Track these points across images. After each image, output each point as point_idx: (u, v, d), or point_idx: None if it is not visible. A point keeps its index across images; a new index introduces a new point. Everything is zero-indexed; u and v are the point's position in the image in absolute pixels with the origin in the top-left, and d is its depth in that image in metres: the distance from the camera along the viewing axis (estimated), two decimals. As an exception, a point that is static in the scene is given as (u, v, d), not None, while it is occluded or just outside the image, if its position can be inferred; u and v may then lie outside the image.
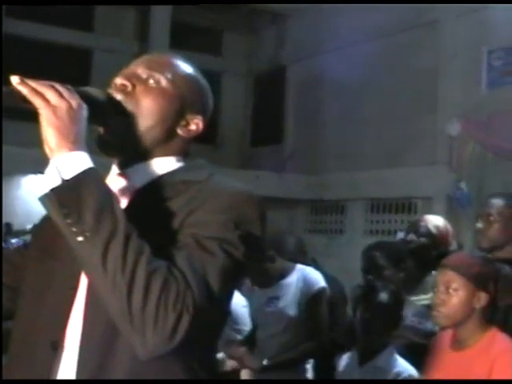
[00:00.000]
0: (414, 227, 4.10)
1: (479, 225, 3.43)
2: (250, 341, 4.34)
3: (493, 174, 8.56)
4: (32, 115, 1.51)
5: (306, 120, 12.16)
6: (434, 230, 3.98)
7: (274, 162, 12.40)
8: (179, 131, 1.78)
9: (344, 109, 11.13)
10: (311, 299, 4.14)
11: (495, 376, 2.63)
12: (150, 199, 1.67)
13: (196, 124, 1.81)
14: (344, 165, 10.82)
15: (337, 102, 11.32)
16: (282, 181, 11.44)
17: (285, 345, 4.06)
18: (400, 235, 4.10)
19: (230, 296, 1.68)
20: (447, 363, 2.84)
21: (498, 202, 3.44)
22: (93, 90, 1.66)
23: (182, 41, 12.16)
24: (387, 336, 3.33)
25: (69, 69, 11.71)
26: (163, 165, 1.75)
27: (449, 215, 8.55)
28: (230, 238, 1.58)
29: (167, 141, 1.76)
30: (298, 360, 4.20)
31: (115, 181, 1.72)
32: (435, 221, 4.09)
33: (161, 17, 12.03)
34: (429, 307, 3.51)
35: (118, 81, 1.72)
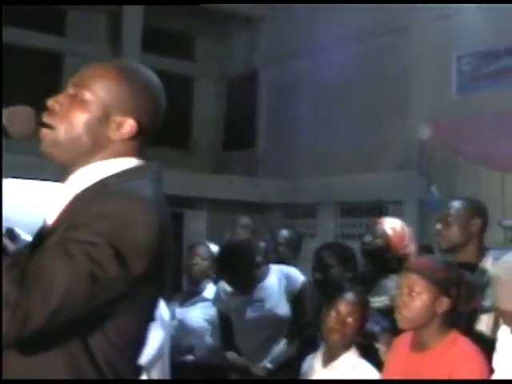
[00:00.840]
0: (371, 229, 4.16)
1: (438, 226, 3.50)
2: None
3: (463, 178, 8.64)
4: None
5: (278, 124, 12.19)
6: (389, 232, 4.03)
7: (246, 167, 12.43)
8: (112, 135, 1.85)
9: (316, 113, 11.19)
10: (298, 295, 4.17)
11: (456, 378, 2.67)
12: (77, 204, 1.74)
13: (130, 125, 1.87)
14: (316, 169, 10.87)
15: (309, 107, 11.37)
16: (255, 185, 11.47)
17: (283, 346, 4.08)
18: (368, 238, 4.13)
19: (110, 298, 1.66)
20: (407, 364, 2.87)
21: (456, 205, 3.53)
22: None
23: (155, 45, 12.15)
24: (353, 336, 3.35)
25: (40, 73, 11.67)
26: (103, 169, 1.83)
27: (420, 219, 8.64)
28: (97, 242, 1.58)
29: (101, 146, 1.85)
30: (299, 356, 4.19)
31: (62, 187, 1.82)
32: (392, 223, 4.14)
33: (133, 21, 11.99)
34: (380, 310, 3.56)
35: (48, 103, 1.84)
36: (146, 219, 1.69)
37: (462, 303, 2.91)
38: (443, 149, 8.96)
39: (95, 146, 1.84)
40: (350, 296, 3.37)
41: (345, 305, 3.33)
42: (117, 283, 1.62)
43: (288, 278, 4.18)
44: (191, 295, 4.82)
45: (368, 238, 4.12)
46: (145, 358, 3.17)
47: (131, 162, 1.87)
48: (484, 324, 3.19)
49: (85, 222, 1.62)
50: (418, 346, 2.88)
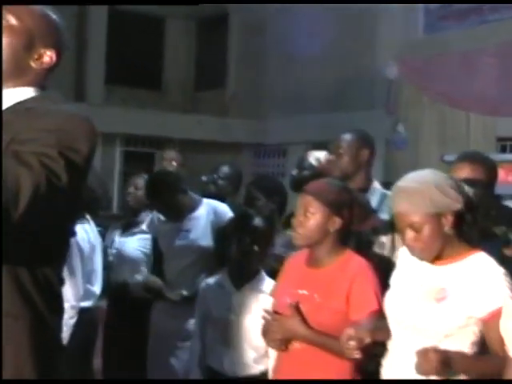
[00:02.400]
0: (298, 163, 4.37)
1: (330, 157, 3.73)
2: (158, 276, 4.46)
3: (429, 117, 8.78)
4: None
5: (248, 65, 12.22)
6: (314, 163, 4.24)
7: (217, 107, 12.48)
8: (32, 64, 1.95)
9: (286, 54, 11.22)
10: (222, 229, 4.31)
11: (355, 292, 2.87)
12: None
13: (49, 57, 1.97)
14: (286, 109, 10.96)
15: (279, 47, 11.40)
16: (225, 125, 11.56)
17: (198, 275, 4.20)
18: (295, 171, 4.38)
19: (60, 212, 1.81)
20: (303, 277, 3.04)
21: (347, 137, 3.72)
22: None
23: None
24: (261, 260, 3.56)
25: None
26: (17, 94, 1.92)
27: (386, 157, 8.81)
28: (51, 153, 1.70)
29: (20, 73, 1.93)
30: None
31: None
32: (317, 154, 4.36)
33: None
34: None
35: None
36: (87, 133, 1.86)
37: (356, 223, 3.08)
38: (410, 88, 9.08)
39: (15, 73, 1.92)
40: (256, 222, 3.57)
41: (252, 231, 3.54)
42: (67, 192, 1.74)
43: (216, 213, 4.31)
44: (131, 225, 4.95)
45: (295, 171, 4.35)
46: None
47: (41, 90, 1.98)
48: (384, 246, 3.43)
49: (32, 137, 1.73)
50: (314, 262, 3.04)
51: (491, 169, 3.40)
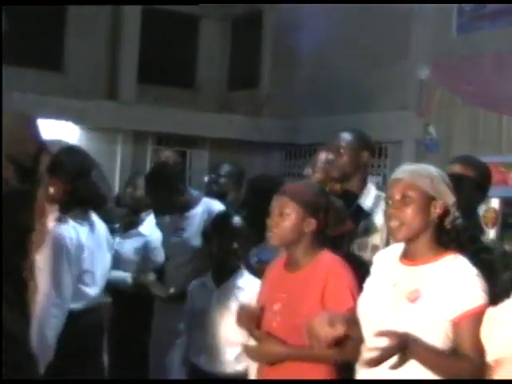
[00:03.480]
0: (311, 164, 4.40)
1: (330, 156, 3.73)
2: (161, 271, 4.51)
3: (461, 120, 8.70)
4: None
5: (282, 65, 12.21)
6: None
7: (250, 106, 12.48)
8: None
9: (319, 54, 11.20)
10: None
11: (329, 291, 2.91)
12: None
13: None
14: (318, 109, 10.93)
15: (312, 47, 11.37)
16: (257, 125, 11.55)
17: (189, 274, 4.22)
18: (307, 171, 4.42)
19: None
20: (281, 281, 3.11)
21: (347, 137, 3.75)
22: None
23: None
24: (240, 257, 3.62)
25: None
26: None
27: (417, 159, 8.73)
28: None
29: None
30: None
31: None
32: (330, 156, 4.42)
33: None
34: None
35: None
36: (29, 134, 1.87)
37: (331, 227, 3.14)
38: (442, 89, 9.01)
39: None
40: (236, 221, 3.73)
41: (232, 229, 3.70)
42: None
43: (210, 212, 4.36)
44: (130, 226, 4.97)
45: (307, 171, 4.40)
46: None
47: None
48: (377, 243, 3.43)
49: None
50: (291, 266, 3.11)
51: (482, 171, 3.42)
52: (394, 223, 2.62)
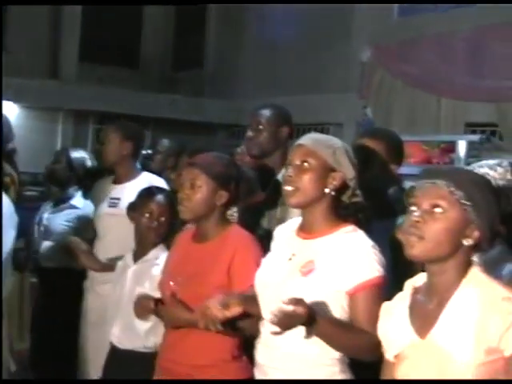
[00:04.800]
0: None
1: (249, 133, 3.64)
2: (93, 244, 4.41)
3: (400, 101, 8.79)
4: None
5: (226, 46, 12.19)
6: None
7: (193, 87, 12.44)
8: None
9: (262, 36, 11.21)
10: None
11: (235, 265, 2.89)
12: None
13: None
14: (261, 91, 10.92)
15: (256, 29, 11.38)
16: (200, 105, 11.53)
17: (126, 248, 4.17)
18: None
19: None
20: (188, 252, 3.08)
21: (265, 112, 3.64)
22: None
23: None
24: (161, 234, 3.62)
25: None
26: None
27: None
28: None
29: None
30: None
31: None
32: None
33: None
34: None
35: None
36: None
37: (242, 198, 3.13)
38: (382, 71, 9.08)
39: None
40: (160, 198, 3.63)
41: (157, 205, 3.60)
42: None
43: (149, 184, 4.31)
44: (59, 202, 4.90)
45: (240, 149, 4.49)
46: None
47: None
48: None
49: None
50: (200, 237, 3.07)
51: (392, 145, 3.30)
52: (289, 188, 2.57)
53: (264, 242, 2.95)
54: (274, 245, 2.80)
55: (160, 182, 4.37)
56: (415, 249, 2.08)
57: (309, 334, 2.39)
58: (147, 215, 3.59)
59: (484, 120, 8.13)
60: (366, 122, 8.72)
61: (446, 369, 2.01)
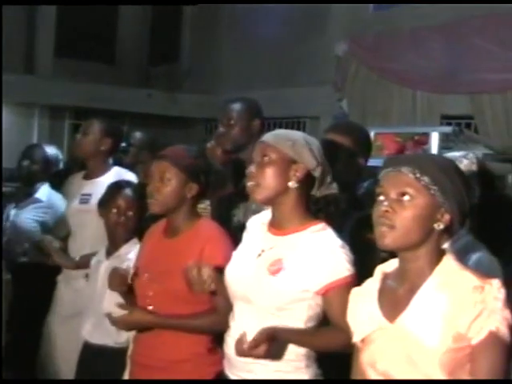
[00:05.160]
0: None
1: (221, 128, 3.58)
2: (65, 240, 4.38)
3: (376, 95, 8.81)
4: None
5: (202, 40, 12.17)
6: None
7: (169, 81, 12.42)
8: None
9: (238, 29, 11.20)
10: None
11: (205, 256, 2.85)
12: None
13: None
14: (237, 85, 10.93)
15: (231, 22, 11.37)
16: (177, 100, 11.51)
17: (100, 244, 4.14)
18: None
19: None
20: (161, 249, 3.05)
21: (236, 106, 3.58)
22: None
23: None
24: (131, 228, 3.60)
25: None
26: None
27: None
28: None
29: None
30: None
31: None
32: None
33: None
34: None
35: None
36: None
37: (212, 190, 3.13)
38: (357, 65, 9.11)
39: None
40: (127, 192, 3.61)
41: (124, 200, 3.58)
42: None
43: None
44: (25, 197, 4.86)
45: (210, 144, 4.39)
46: None
47: None
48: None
49: None
50: (170, 232, 3.05)
51: (360, 139, 3.26)
52: (251, 183, 2.58)
53: (239, 234, 2.91)
54: (245, 236, 2.78)
55: (130, 177, 4.36)
56: (387, 239, 2.08)
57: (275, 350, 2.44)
58: (115, 210, 3.56)
59: (459, 112, 8.18)
60: (340, 115, 8.73)
61: (413, 353, 2.02)
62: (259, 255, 2.60)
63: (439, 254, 2.11)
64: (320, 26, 9.68)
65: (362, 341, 2.18)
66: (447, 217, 2.08)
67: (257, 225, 2.74)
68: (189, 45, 12.69)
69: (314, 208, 2.61)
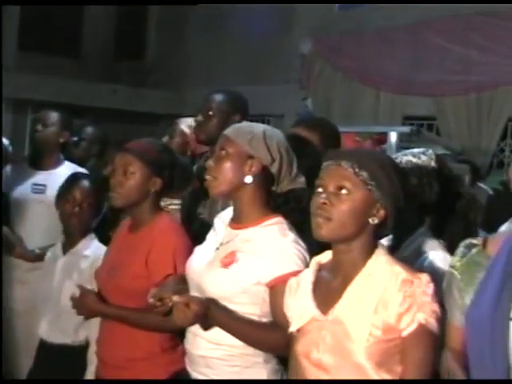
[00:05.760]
0: (169, 131, 4.30)
1: (199, 118, 3.49)
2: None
3: (340, 93, 8.87)
4: None
5: (169, 36, 12.15)
6: (186, 130, 4.17)
7: (135, 77, 12.37)
8: None
9: (204, 26, 11.19)
10: None
11: (153, 255, 2.83)
12: None
13: None
14: (203, 81, 10.92)
15: (198, 20, 11.36)
16: (141, 95, 11.47)
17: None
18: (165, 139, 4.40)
19: None
20: (122, 242, 3.04)
21: (218, 97, 3.50)
22: None
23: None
24: (86, 222, 3.53)
25: None
26: None
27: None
28: None
29: None
30: None
31: None
32: (189, 121, 4.32)
33: None
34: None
35: None
36: None
37: (176, 186, 3.09)
38: (322, 63, 9.15)
39: None
40: (84, 183, 3.53)
41: (80, 191, 3.50)
42: None
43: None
44: None
45: (165, 138, 4.32)
46: None
47: None
48: None
49: None
50: (133, 227, 3.02)
51: (327, 135, 3.21)
52: (208, 177, 2.56)
53: (206, 229, 2.86)
54: (211, 231, 2.76)
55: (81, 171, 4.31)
56: (323, 230, 2.12)
57: (206, 326, 2.45)
58: (70, 201, 3.47)
59: (422, 113, 8.27)
60: (306, 114, 8.76)
61: (345, 345, 2.07)
62: (217, 249, 2.59)
63: (372, 248, 2.16)
64: (286, 25, 9.70)
65: (298, 331, 2.21)
66: (382, 212, 2.13)
67: (220, 221, 2.72)
68: (155, 40, 12.65)
69: (273, 204, 2.60)
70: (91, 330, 3.22)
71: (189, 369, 2.66)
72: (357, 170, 2.11)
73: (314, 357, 2.13)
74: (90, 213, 3.52)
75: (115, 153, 4.15)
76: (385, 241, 2.62)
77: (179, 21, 11.82)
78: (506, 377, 1.97)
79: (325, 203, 2.12)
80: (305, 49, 9.22)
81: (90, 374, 3.20)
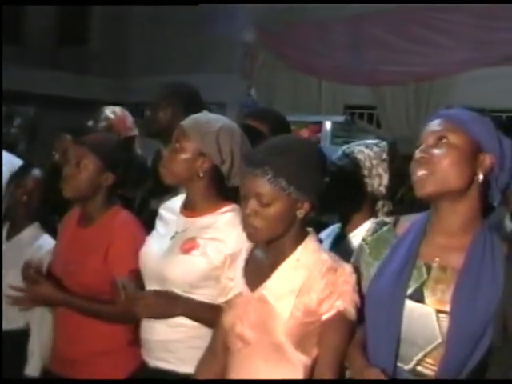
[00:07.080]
0: (94, 116, 4.38)
1: (147, 112, 3.54)
2: None
3: (283, 83, 8.93)
4: None
5: (112, 23, 12.07)
6: (111, 116, 4.21)
7: (78, 64, 12.26)
8: None
9: (148, 14, 11.16)
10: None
11: (112, 250, 2.86)
12: None
13: None
14: (146, 69, 10.91)
15: (141, 7, 11.32)
16: (84, 83, 11.39)
17: None
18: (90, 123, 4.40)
19: None
20: (73, 238, 3.02)
21: (168, 91, 3.56)
22: None
23: None
24: (31, 211, 3.48)
25: None
26: None
27: (239, 120, 8.90)
28: None
29: None
30: None
31: None
32: (113, 109, 4.46)
33: None
34: None
35: None
36: None
37: (131, 184, 3.15)
38: (265, 53, 9.20)
39: None
40: (37, 173, 3.51)
41: (32, 180, 3.48)
42: None
43: (12, 164, 4.17)
44: None
45: (90, 123, 4.33)
46: None
47: None
48: None
49: None
50: (84, 220, 3.02)
51: (277, 126, 3.26)
52: (162, 169, 2.62)
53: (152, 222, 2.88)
54: (158, 222, 2.78)
55: (18, 161, 4.25)
56: (257, 238, 2.25)
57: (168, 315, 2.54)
58: (21, 189, 3.45)
59: (363, 103, 8.38)
60: (250, 103, 8.80)
61: (268, 322, 2.19)
62: (172, 237, 2.62)
63: (303, 236, 2.27)
64: (229, 13, 9.70)
65: (226, 303, 2.35)
66: (307, 205, 2.22)
67: (169, 209, 2.75)
68: (98, 27, 12.56)
69: (226, 196, 2.64)
70: (34, 319, 3.21)
71: (146, 358, 2.67)
72: (272, 179, 2.16)
73: (237, 329, 2.26)
74: (37, 202, 3.47)
75: (61, 141, 4.19)
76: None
77: (122, 8, 11.74)
78: (396, 347, 2.07)
79: (250, 215, 2.20)
80: (248, 38, 9.25)
81: (31, 369, 3.18)
